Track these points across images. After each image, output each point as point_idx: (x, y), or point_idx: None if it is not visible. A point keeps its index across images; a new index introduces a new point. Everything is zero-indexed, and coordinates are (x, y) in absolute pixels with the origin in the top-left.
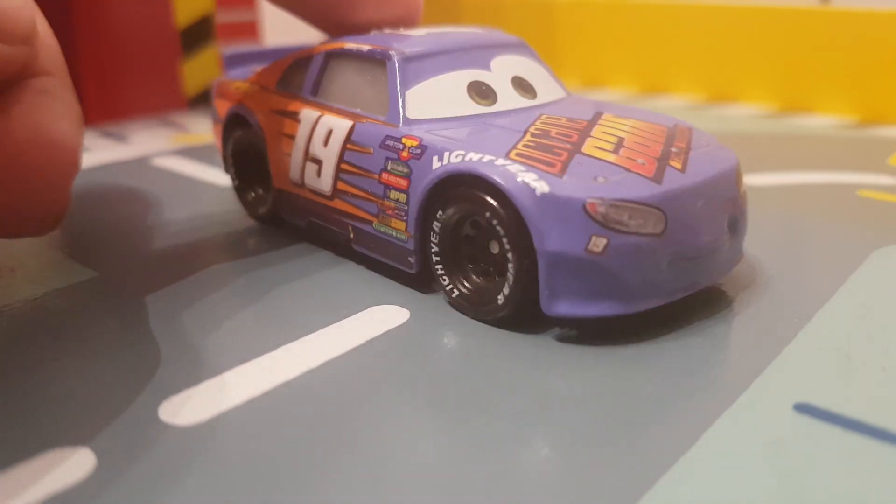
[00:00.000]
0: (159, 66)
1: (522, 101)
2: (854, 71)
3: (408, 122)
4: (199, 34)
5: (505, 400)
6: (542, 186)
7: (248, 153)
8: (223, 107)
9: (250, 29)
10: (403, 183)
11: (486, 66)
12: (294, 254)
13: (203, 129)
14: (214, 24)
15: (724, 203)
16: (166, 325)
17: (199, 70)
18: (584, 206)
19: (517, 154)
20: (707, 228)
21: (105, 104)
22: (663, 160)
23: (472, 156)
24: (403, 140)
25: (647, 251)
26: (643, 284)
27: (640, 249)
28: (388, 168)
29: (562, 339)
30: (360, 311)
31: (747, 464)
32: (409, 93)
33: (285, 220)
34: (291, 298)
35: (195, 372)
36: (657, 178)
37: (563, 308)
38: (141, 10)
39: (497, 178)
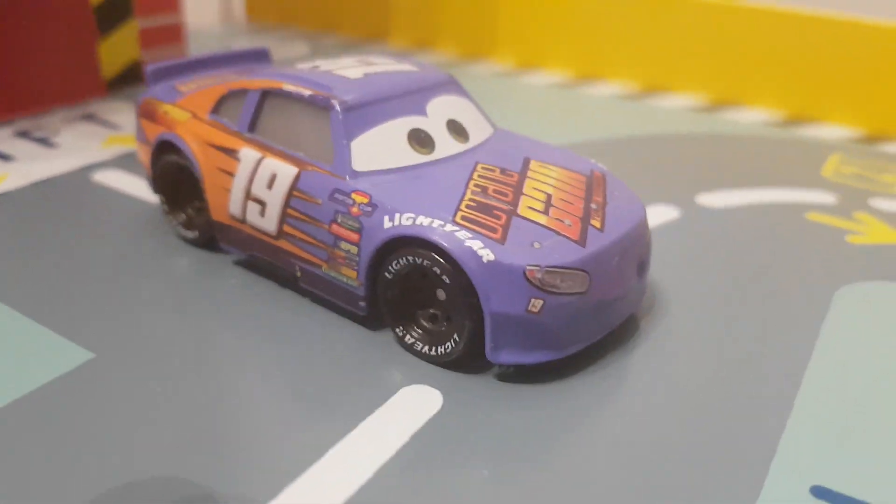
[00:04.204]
0: (73, 47)
1: (458, 147)
2: (784, 69)
3: (355, 174)
4: (115, 9)
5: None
6: (487, 254)
7: (179, 178)
8: (150, 128)
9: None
10: (355, 237)
11: (423, 112)
12: (284, 313)
13: (130, 125)
14: None
15: (635, 252)
16: (186, 427)
17: (117, 49)
18: (524, 273)
19: (462, 217)
20: (622, 278)
21: (17, 93)
22: (585, 219)
23: (423, 220)
24: (353, 196)
25: (575, 307)
26: (571, 334)
27: (570, 306)
28: (339, 221)
29: (501, 376)
30: (391, 395)
31: None
32: (353, 144)
33: (223, 248)
34: (311, 380)
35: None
36: (582, 241)
37: (505, 357)
38: None
39: (447, 245)
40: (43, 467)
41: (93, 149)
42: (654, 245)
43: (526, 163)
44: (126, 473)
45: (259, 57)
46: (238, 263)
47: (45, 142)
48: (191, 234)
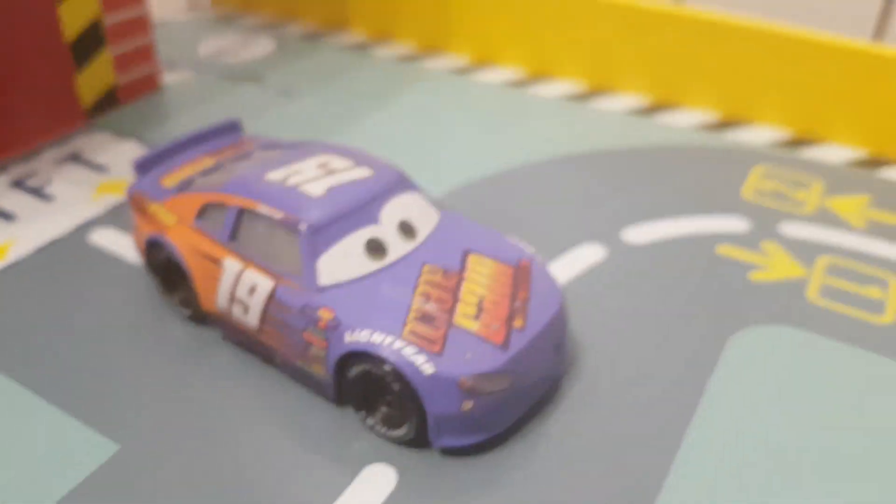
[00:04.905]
0: (52, 83)
1: (407, 247)
2: (719, 70)
3: (320, 289)
4: (89, 43)
5: None
6: (428, 369)
7: (170, 269)
8: (142, 224)
9: (140, 25)
10: (323, 343)
11: (377, 220)
12: (269, 388)
13: (117, 166)
14: (104, 27)
15: (552, 338)
16: None
17: (93, 79)
18: (457, 384)
19: (409, 331)
20: (540, 364)
21: (3, 132)
22: (510, 320)
23: (376, 337)
24: (320, 312)
25: (499, 401)
26: (498, 419)
27: (495, 401)
28: (309, 330)
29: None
30: (356, 475)
31: None
32: (319, 262)
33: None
34: (289, 453)
35: None
36: (506, 344)
37: (445, 442)
38: (26, 30)
39: (395, 362)
40: None
41: (85, 201)
42: (579, 292)
43: (464, 258)
44: None
45: (231, 129)
46: (227, 338)
47: (40, 193)
48: (187, 312)
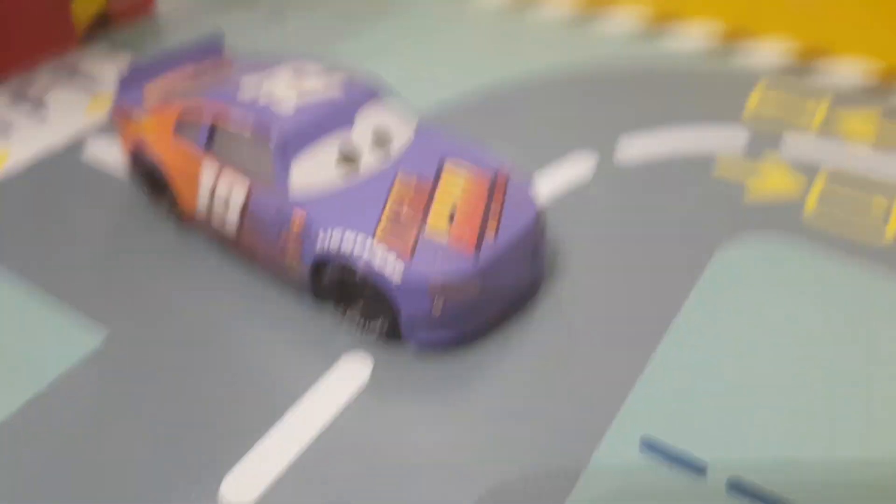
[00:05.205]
0: (49, 6)
1: (381, 157)
2: None
3: (293, 196)
4: None
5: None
6: (398, 272)
7: (155, 177)
8: (126, 133)
9: None
10: (297, 245)
11: (350, 129)
12: (256, 284)
13: (109, 82)
14: None
15: (524, 249)
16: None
17: (87, 3)
18: (427, 285)
19: (380, 238)
20: (510, 273)
21: (3, 51)
22: (482, 229)
23: (348, 237)
24: (293, 216)
25: (468, 304)
26: (469, 320)
27: (464, 304)
28: (284, 231)
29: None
30: (334, 364)
31: None
32: (291, 171)
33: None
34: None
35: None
36: (476, 252)
37: (417, 339)
38: None
39: (366, 267)
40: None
41: (79, 115)
42: (568, 202)
43: (440, 166)
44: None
45: (214, 45)
46: (211, 242)
47: (36, 107)
48: (172, 217)
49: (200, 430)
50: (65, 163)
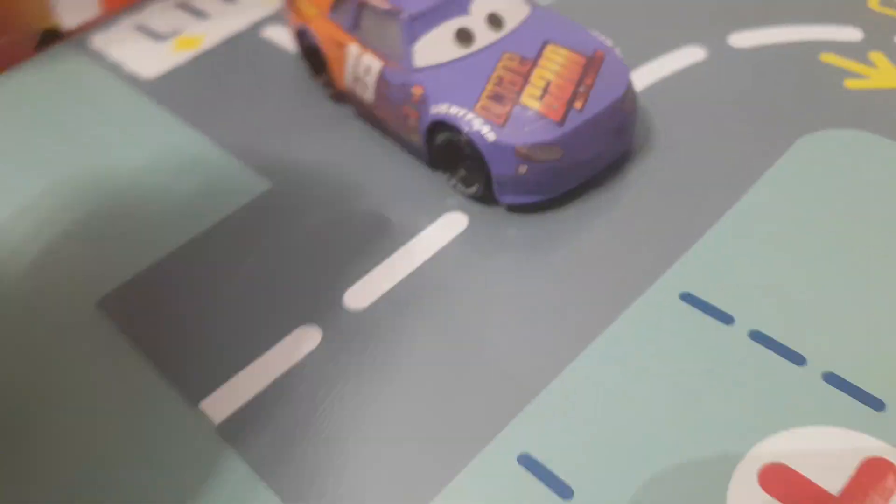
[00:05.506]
0: None
1: (492, 37)
2: None
3: (415, 70)
4: None
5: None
6: (491, 136)
7: (314, 55)
8: (293, 16)
9: None
10: (416, 115)
11: (468, 11)
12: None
13: None
14: None
15: (612, 122)
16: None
17: None
18: (514, 150)
19: (480, 107)
20: (595, 144)
21: None
22: (571, 102)
23: (454, 109)
24: (413, 89)
25: (551, 169)
26: (553, 184)
27: (547, 168)
28: (407, 103)
29: (510, 208)
30: (444, 213)
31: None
32: (415, 47)
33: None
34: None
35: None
36: (562, 122)
37: (507, 199)
38: None
39: (466, 130)
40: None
41: (260, 2)
42: (669, 86)
43: (542, 47)
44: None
45: None
46: (357, 115)
47: None
48: (329, 91)
49: (334, 254)
50: (247, 44)
